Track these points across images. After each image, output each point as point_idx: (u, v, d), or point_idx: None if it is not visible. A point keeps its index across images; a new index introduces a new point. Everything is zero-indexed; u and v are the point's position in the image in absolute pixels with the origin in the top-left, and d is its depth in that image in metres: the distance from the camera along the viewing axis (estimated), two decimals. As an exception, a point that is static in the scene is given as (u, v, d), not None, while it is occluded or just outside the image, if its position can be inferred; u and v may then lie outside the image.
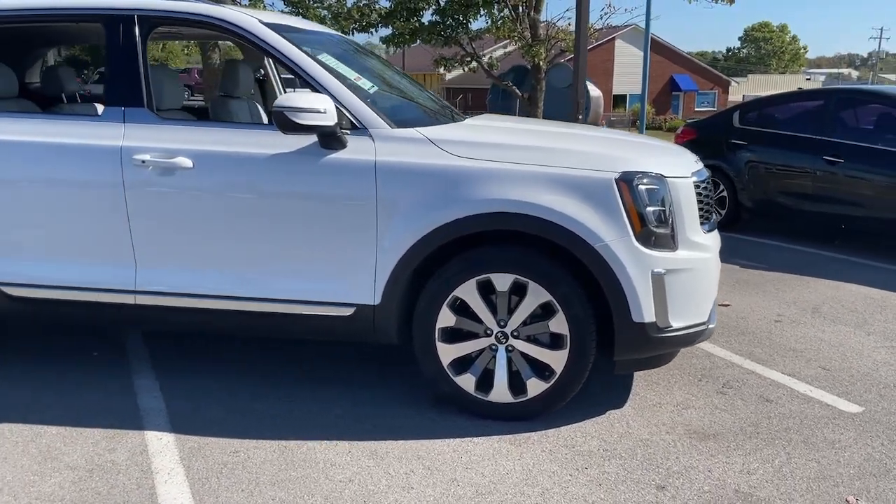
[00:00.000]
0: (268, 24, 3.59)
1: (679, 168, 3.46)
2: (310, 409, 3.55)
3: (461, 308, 3.37)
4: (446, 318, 3.37)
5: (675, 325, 3.33)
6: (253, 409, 3.54)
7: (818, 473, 3.02)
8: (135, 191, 3.46)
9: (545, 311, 3.31)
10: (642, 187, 3.25)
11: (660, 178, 3.32)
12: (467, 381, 3.41)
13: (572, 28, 13.19)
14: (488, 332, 3.38)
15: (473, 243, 3.34)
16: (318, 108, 3.22)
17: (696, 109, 48.19)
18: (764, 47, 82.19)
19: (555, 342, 3.34)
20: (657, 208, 3.28)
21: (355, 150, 3.35)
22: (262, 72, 5.17)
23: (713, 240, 3.58)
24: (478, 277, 3.31)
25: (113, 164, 3.46)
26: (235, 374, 3.93)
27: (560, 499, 2.81)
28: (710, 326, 3.53)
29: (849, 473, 3.02)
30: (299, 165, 3.37)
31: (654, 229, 3.26)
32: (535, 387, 3.36)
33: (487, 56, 15.32)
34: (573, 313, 3.26)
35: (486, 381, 3.41)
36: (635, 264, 3.21)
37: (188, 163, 3.41)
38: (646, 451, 3.18)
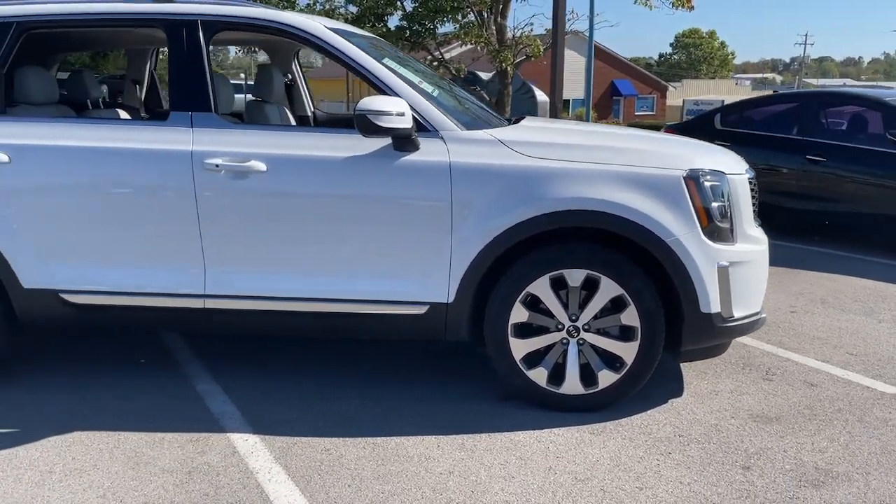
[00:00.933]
0: (332, 29, 3.65)
1: (735, 166, 3.64)
2: (384, 407, 3.60)
3: (533, 304, 3.48)
4: (519, 314, 3.47)
5: (736, 314, 3.51)
6: (327, 409, 3.58)
7: (882, 448, 3.22)
8: (206, 194, 3.47)
9: (615, 305, 3.44)
10: (707, 184, 3.42)
11: (721, 175, 3.49)
12: (539, 375, 3.52)
13: (540, 32, 13.48)
14: (560, 326, 3.49)
15: (542, 241, 3.45)
16: (398, 111, 3.30)
17: (637, 114, 49.35)
18: (694, 53, 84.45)
19: (624, 334, 3.47)
20: (720, 204, 3.45)
21: (428, 152, 3.43)
22: (290, 76, 5.20)
23: (762, 234, 3.77)
24: (551, 273, 3.43)
25: (183, 169, 3.47)
26: (291, 376, 3.96)
27: (655, 482, 2.94)
28: (763, 316, 3.71)
29: (909, 448, 3.23)
30: (374, 168, 3.43)
31: (718, 224, 3.43)
32: (606, 378, 3.49)
33: (456, 61, 15.42)
34: (645, 306, 3.40)
35: (557, 375, 3.52)
36: (703, 257, 3.37)
37: (262, 166, 3.44)
38: (719, 436, 3.33)
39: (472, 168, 3.40)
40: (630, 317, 3.43)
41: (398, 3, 15.16)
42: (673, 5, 14.35)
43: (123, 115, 4.84)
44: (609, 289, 3.41)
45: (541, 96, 21.18)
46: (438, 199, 3.41)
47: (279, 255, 3.52)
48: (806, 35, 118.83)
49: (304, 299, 3.54)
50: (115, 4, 3.74)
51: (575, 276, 3.42)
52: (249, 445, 3.22)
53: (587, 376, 3.51)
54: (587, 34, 22.86)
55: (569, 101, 47.53)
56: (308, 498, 2.82)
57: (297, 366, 4.13)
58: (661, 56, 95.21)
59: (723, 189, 3.47)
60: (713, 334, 3.49)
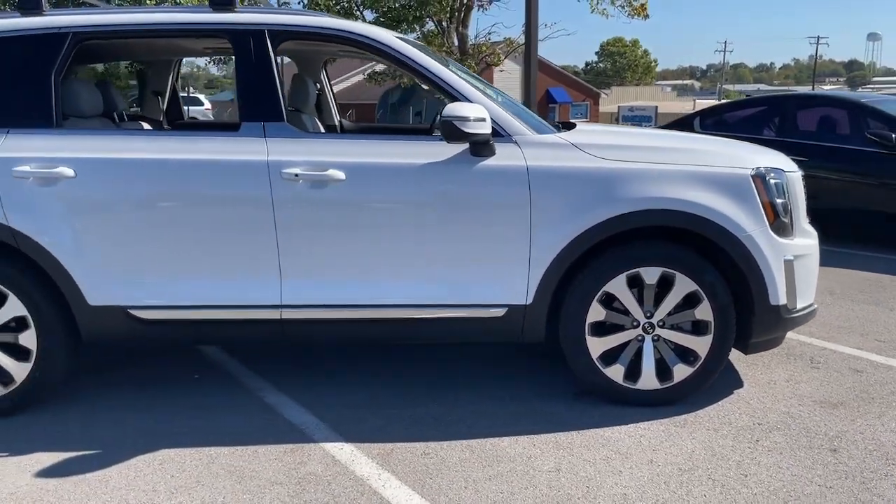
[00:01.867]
0: (399, 38, 3.68)
1: (789, 164, 3.81)
2: (464, 410, 3.64)
3: (609, 302, 3.57)
4: (596, 313, 3.56)
5: (798, 306, 3.66)
6: (407, 414, 3.59)
7: (948, 427, 3.42)
8: (284, 204, 3.45)
9: (689, 301, 3.56)
10: (772, 181, 3.57)
11: (782, 173, 3.65)
12: (616, 372, 3.61)
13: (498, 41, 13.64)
14: (635, 323, 3.59)
15: (616, 241, 3.53)
16: (479, 116, 3.35)
17: (572, 121, 50.17)
18: (619, 61, 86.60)
19: (698, 329, 3.59)
20: (783, 200, 3.61)
21: (504, 156, 3.49)
22: (319, 86, 5.18)
23: (812, 229, 3.94)
24: (628, 272, 3.52)
25: (260, 179, 3.44)
26: (358, 385, 3.95)
27: (757, 468, 3.05)
28: (816, 307, 3.88)
29: (971, 425, 3.43)
30: (453, 174, 3.47)
31: (782, 219, 3.58)
32: (681, 372, 3.60)
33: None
34: (718, 301, 3.53)
35: (633, 371, 3.61)
36: (772, 252, 3.51)
37: (341, 175, 3.44)
38: (796, 422, 3.48)
39: (549, 171, 3.47)
40: (704, 311, 3.54)
41: (358, 14, 15.17)
42: (629, 14, 14.74)
43: (147, 127, 4.75)
44: (684, 285, 3.52)
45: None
46: (517, 203, 3.47)
47: (358, 263, 3.52)
48: (725, 42, 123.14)
49: (383, 306, 3.54)
50: (176, 14, 3.69)
51: (651, 274, 3.52)
52: (347, 454, 3.21)
53: (662, 371, 3.61)
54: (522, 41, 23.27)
55: (505, 106, 48.27)
56: (431, 501, 2.83)
57: (357, 373, 4.12)
58: (587, 64, 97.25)
59: (784, 186, 3.63)
60: (780, 325, 3.64)
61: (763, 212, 3.52)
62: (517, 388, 3.88)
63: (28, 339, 3.53)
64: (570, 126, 3.99)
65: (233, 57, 3.75)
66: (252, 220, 3.47)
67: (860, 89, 56.27)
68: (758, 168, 3.57)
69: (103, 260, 3.49)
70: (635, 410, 3.58)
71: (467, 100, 3.52)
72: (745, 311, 3.59)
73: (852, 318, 5.08)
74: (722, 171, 3.53)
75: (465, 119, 3.31)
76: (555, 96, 51.89)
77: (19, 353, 3.55)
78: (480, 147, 3.45)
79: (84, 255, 3.47)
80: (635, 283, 3.55)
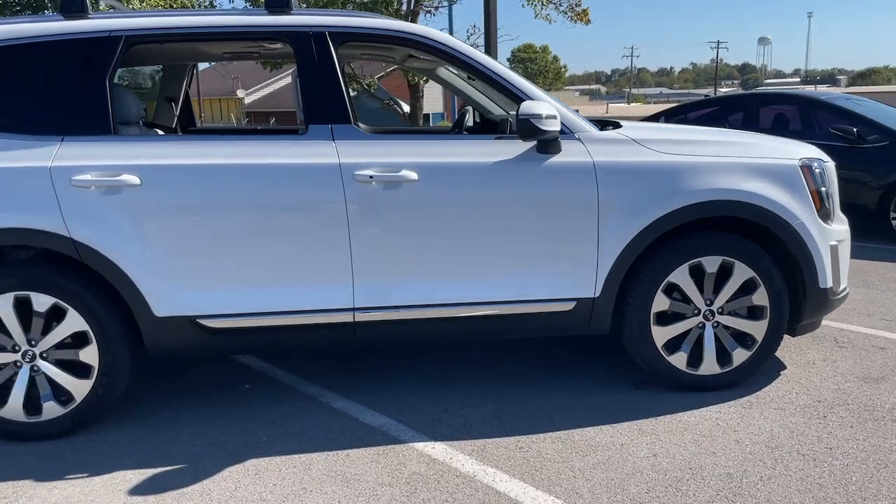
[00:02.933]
0: (457, 39, 3.71)
1: (823, 154, 4.03)
2: (537, 403, 3.69)
3: (671, 291, 3.69)
4: (661, 303, 3.67)
5: (840, 288, 3.88)
6: (483, 412, 3.62)
7: None
8: (358, 207, 3.43)
9: (745, 287, 3.71)
10: (817, 171, 3.77)
11: (823, 163, 3.86)
12: (679, 359, 3.73)
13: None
14: (696, 311, 3.72)
15: (677, 232, 3.65)
16: (552, 114, 3.42)
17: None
18: (530, 67, 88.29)
19: (753, 314, 3.75)
20: (826, 188, 3.81)
21: (570, 153, 3.57)
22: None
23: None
24: (690, 262, 3.65)
25: (333, 182, 3.42)
26: (416, 386, 3.95)
27: (837, 442, 3.22)
28: (849, 290, 4.11)
29: None
30: (522, 171, 3.53)
31: (826, 206, 3.79)
32: (739, 356, 3.76)
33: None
34: (773, 286, 3.70)
35: (695, 357, 3.74)
36: (820, 238, 3.71)
37: (413, 175, 3.45)
38: (851, 397, 3.68)
39: (614, 166, 3.57)
40: (760, 297, 3.71)
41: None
42: (571, 19, 15.10)
43: (160, 133, 4.61)
44: (742, 272, 3.68)
45: (405, 108, 21.92)
46: (585, 198, 3.55)
47: (432, 263, 3.53)
48: (632, 48, 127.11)
49: (456, 305, 3.56)
50: (232, 17, 3.62)
51: (711, 263, 3.66)
52: (441, 452, 3.22)
53: (722, 356, 3.75)
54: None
55: (429, 114, 48.50)
56: (552, 493, 2.87)
57: (408, 374, 4.11)
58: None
59: (825, 175, 3.84)
60: (827, 307, 3.85)
61: (811, 200, 3.71)
62: (576, 382, 3.96)
63: (89, 355, 3.40)
64: (615, 125, 4.09)
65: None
66: (324, 223, 3.44)
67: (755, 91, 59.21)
68: (803, 158, 3.77)
69: (170, 269, 3.39)
70: (699, 396, 3.71)
71: (531, 98, 3.58)
72: (796, 295, 3.77)
73: (853, 301, 5.36)
74: (773, 162, 3.71)
75: (539, 117, 3.37)
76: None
77: (79, 369, 3.41)
78: (548, 144, 3.52)
79: (150, 265, 3.37)
80: (696, 273, 3.68)
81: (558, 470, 3.04)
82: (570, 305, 3.62)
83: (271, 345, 3.63)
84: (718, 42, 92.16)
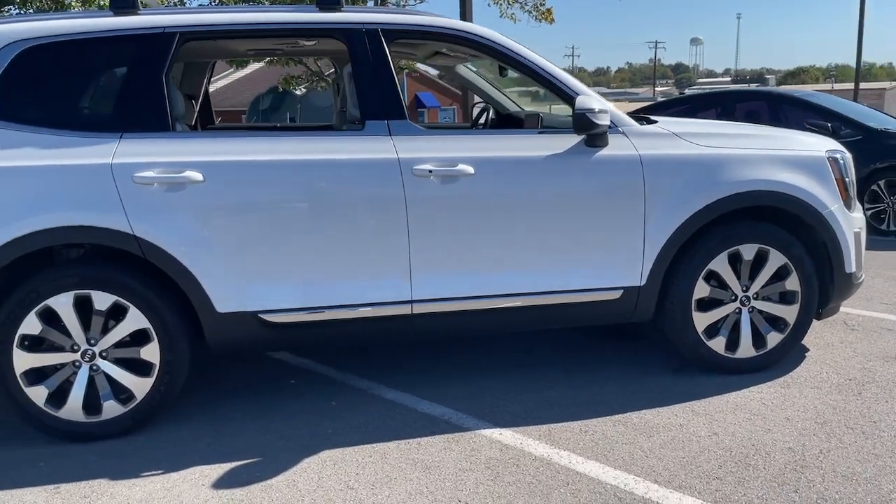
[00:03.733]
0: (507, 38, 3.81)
1: (843, 147, 4.25)
2: (587, 391, 3.81)
3: (711, 279, 3.85)
4: (701, 290, 3.84)
5: (860, 273, 4.11)
6: (537, 398, 3.72)
7: None
8: (417, 201, 3.50)
9: (779, 273, 3.90)
10: (841, 162, 3.99)
11: (844, 154, 4.08)
12: (719, 343, 3.90)
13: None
14: (733, 297, 3.90)
15: (717, 222, 3.81)
16: (605, 109, 3.55)
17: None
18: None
19: (785, 298, 3.94)
20: (848, 178, 4.03)
21: (617, 146, 3.70)
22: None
23: (857, 205, 4.41)
24: (729, 250, 3.82)
25: (392, 177, 3.48)
26: (459, 377, 4.04)
27: (879, 416, 3.42)
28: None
29: None
30: (574, 164, 3.65)
31: (850, 195, 4.01)
32: (773, 339, 3.95)
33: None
34: (804, 272, 3.90)
35: (733, 341, 3.92)
36: (846, 225, 3.93)
37: (470, 169, 3.53)
38: (878, 374, 3.90)
39: (659, 159, 3.72)
40: (793, 282, 3.90)
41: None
42: (536, 19, 15.33)
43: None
44: (776, 259, 3.87)
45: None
46: (633, 190, 3.69)
47: (486, 254, 3.62)
48: (573, 48, 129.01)
49: (509, 295, 3.66)
50: (285, 14, 3.65)
51: (749, 251, 3.84)
52: (510, 438, 3.31)
53: (757, 340, 3.93)
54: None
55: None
56: (631, 472, 2.99)
57: (446, 365, 4.20)
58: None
59: (847, 166, 4.06)
60: (850, 291, 4.07)
61: (837, 189, 3.93)
62: (618, 369, 4.10)
63: (150, 352, 3.39)
64: (648, 119, 4.24)
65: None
66: (384, 217, 3.50)
67: (687, 90, 60.72)
68: (829, 150, 3.98)
69: (232, 265, 3.40)
70: (737, 378, 3.88)
71: (579, 94, 3.69)
72: (823, 280, 3.98)
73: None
74: (804, 153, 3.91)
75: (594, 111, 3.49)
76: (423, 101, 52.63)
77: (139, 367, 3.40)
78: (598, 138, 3.65)
79: (213, 262, 3.38)
80: (734, 260, 3.85)
81: (630, 451, 3.16)
82: (617, 294, 3.75)
83: (329, 339, 3.67)
84: (657, 42, 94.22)
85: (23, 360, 3.29)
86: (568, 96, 3.70)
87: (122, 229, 3.27)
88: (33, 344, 3.31)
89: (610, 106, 3.75)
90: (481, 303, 3.65)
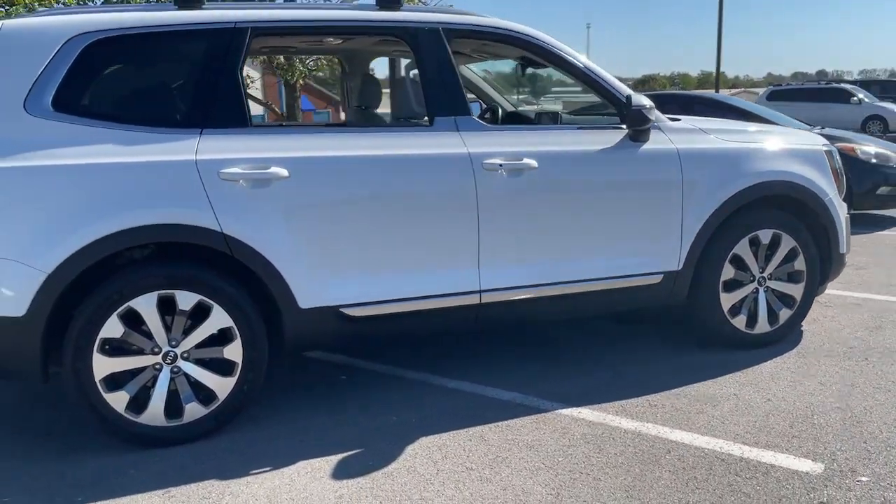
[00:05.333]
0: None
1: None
2: (632, 372, 4.09)
3: (736, 262, 4.23)
4: (727, 272, 4.21)
5: (847, 254, 4.62)
6: (589, 381, 3.95)
7: (965, 333, 4.56)
8: (487, 194, 3.65)
9: (789, 256, 4.33)
10: (836, 155, 4.48)
11: (834, 149, 4.58)
12: (740, 321, 4.29)
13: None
14: (752, 278, 4.29)
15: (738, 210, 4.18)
16: (651, 105, 3.84)
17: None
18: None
19: (793, 278, 4.38)
20: (840, 170, 4.53)
21: (657, 141, 4.00)
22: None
23: (834, 193, 4.93)
24: (750, 235, 4.21)
25: (464, 171, 3.61)
26: (512, 362, 4.22)
27: (893, 375, 3.90)
28: (844, 255, 4.88)
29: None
30: (625, 157, 3.92)
31: (841, 184, 4.50)
32: (784, 315, 4.38)
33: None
34: (810, 253, 4.35)
35: (752, 318, 4.31)
36: (841, 211, 4.42)
37: (534, 163, 3.72)
38: (871, 342, 4.41)
39: (693, 152, 4.05)
40: (800, 263, 4.35)
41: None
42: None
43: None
44: (787, 242, 4.30)
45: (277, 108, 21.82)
46: (672, 181, 4.00)
47: (548, 244, 3.81)
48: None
49: (568, 283, 3.87)
50: (349, 13, 3.70)
51: (766, 236, 4.25)
52: (591, 415, 3.52)
53: (771, 316, 4.35)
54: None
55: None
56: (717, 436, 3.28)
57: (493, 352, 4.37)
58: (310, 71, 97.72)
59: (837, 159, 4.56)
60: (841, 269, 4.57)
61: (833, 179, 4.41)
62: (650, 351, 4.40)
63: (233, 351, 3.35)
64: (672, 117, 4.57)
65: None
66: (457, 209, 3.62)
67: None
68: (825, 144, 4.46)
69: (315, 260, 3.42)
70: (756, 351, 4.27)
71: (621, 94, 3.96)
72: (821, 260, 4.45)
73: (860, 274, 6.22)
74: (807, 147, 4.36)
75: (647, 108, 3.78)
76: (301, 104, 52.16)
77: (221, 367, 3.36)
78: (643, 133, 3.93)
79: (296, 257, 3.38)
80: (753, 244, 4.24)
81: (704, 420, 3.45)
82: (658, 279, 4.05)
83: (403, 331, 3.74)
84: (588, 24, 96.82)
85: (103, 366, 3.18)
86: (613, 95, 3.96)
87: (211, 227, 3.22)
88: (113, 348, 3.20)
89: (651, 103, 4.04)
90: (542, 291, 3.83)
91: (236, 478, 3.04)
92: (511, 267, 3.77)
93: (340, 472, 3.06)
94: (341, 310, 3.49)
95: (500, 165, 3.65)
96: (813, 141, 4.46)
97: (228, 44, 3.38)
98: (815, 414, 3.47)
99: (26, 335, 3.07)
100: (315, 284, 3.43)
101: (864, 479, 2.89)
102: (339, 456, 3.19)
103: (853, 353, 4.24)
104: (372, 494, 2.88)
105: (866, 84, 25.18)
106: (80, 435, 3.40)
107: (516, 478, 2.97)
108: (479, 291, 3.72)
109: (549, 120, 4.77)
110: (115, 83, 3.30)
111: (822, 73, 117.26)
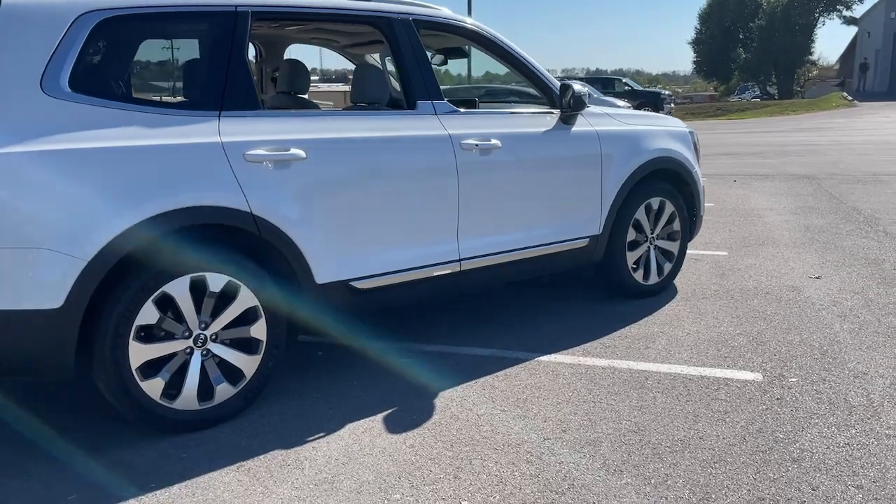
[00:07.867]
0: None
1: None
2: (566, 323, 4.72)
3: (635, 225, 5.04)
4: (630, 234, 5.01)
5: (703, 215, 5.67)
6: (540, 333, 4.53)
7: None
8: (465, 171, 4.05)
9: (670, 218, 5.25)
10: (695, 135, 5.48)
11: (693, 130, 5.58)
12: (640, 275, 5.12)
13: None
14: (646, 238, 5.14)
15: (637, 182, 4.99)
16: (587, 93, 4.49)
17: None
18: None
19: (671, 237, 5.31)
20: (698, 147, 5.54)
21: (580, 123, 4.67)
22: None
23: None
24: (645, 203, 5.04)
25: (447, 151, 3.99)
26: (467, 325, 4.65)
27: (769, 304, 4.94)
28: (691, 218, 5.95)
29: None
30: (564, 137, 4.53)
31: (699, 159, 5.52)
32: (667, 268, 5.30)
33: None
34: (683, 216, 5.30)
35: (647, 272, 5.17)
36: (700, 180, 5.43)
37: (499, 143, 4.20)
38: (735, 284, 5.46)
39: (608, 133, 4.77)
40: (677, 224, 5.28)
41: None
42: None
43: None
44: (669, 208, 5.20)
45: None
46: (595, 157, 4.68)
47: (511, 215, 4.29)
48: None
49: (525, 248, 4.39)
50: (331, 0, 3.86)
51: (655, 203, 5.11)
52: (566, 359, 4.08)
53: (659, 270, 5.24)
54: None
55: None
56: (678, 363, 4.01)
57: (444, 319, 4.77)
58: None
59: (697, 138, 5.57)
60: (699, 228, 5.60)
61: (695, 155, 5.40)
62: (582, 305, 5.07)
63: (258, 330, 3.45)
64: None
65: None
66: (443, 186, 3.97)
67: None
68: (688, 126, 5.44)
69: (328, 237, 3.60)
70: (650, 300, 5.13)
71: (555, 85, 4.57)
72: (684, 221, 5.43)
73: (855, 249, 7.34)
74: (679, 129, 5.30)
75: (585, 95, 4.41)
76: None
77: (248, 346, 3.44)
78: (573, 117, 4.57)
79: (313, 235, 3.54)
80: (647, 210, 5.08)
81: (655, 353, 4.17)
82: (586, 242, 4.72)
83: (399, 300, 4.01)
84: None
85: (139, 353, 3.13)
86: (546, 83, 4.54)
87: (241, 208, 3.29)
88: (147, 335, 3.16)
89: (573, 92, 4.68)
90: (504, 257, 4.32)
91: (298, 446, 3.17)
92: (483, 237, 4.20)
93: (394, 428, 3.31)
94: (351, 283, 3.70)
95: (476, 145, 4.06)
96: (681, 124, 5.41)
97: (235, 27, 3.43)
98: (727, 339, 4.35)
99: (63, 328, 2.94)
100: (328, 260, 3.61)
101: (793, 379, 3.77)
102: (380, 416, 3.43)
103: (720, 295, 5.25)
104: (438, 439, 3.19)
105: (591, 81, 28.33)
106: (101, 431, 3.27)
107: (548, 412, 3.45)
108: (459, 260, 4.11)
109: (473, 105, 5.22)
110: (128, 63, 3.21)
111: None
